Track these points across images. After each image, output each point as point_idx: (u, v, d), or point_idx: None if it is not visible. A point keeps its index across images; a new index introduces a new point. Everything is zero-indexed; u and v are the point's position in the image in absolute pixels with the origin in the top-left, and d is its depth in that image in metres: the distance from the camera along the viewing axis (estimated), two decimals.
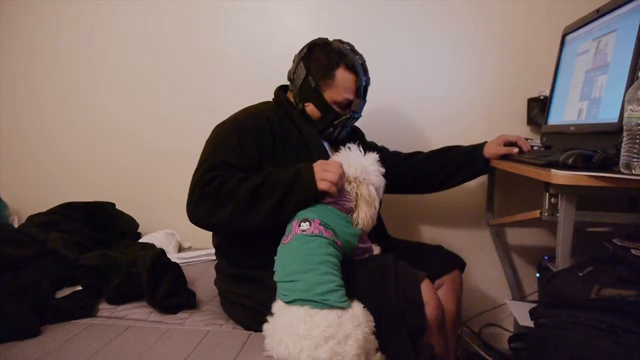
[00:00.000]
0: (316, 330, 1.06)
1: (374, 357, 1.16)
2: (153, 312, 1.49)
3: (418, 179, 1.77)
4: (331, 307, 1.08)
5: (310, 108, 1.51)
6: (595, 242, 1.42)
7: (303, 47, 1.53)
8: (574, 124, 1.52)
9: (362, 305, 1.15)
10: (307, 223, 1.22)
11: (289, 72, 1.56)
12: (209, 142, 1.43)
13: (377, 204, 1.34)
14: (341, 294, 1.12)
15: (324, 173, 1.27)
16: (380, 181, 1.37)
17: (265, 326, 1.17)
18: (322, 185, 1.26)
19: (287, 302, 1.13)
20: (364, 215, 1.30)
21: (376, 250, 1.40)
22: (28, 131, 2.30)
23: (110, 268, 1.56)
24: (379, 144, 1.84)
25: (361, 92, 1.50)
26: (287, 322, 1.10)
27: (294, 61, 1.55)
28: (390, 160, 1.76)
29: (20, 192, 2.29)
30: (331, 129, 1.53)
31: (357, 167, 1.32)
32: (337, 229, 1.24)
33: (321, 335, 1.05)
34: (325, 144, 1.57)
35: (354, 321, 1.09)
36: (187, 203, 1.31)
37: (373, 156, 1.39)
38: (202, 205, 1.28)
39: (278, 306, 1.15)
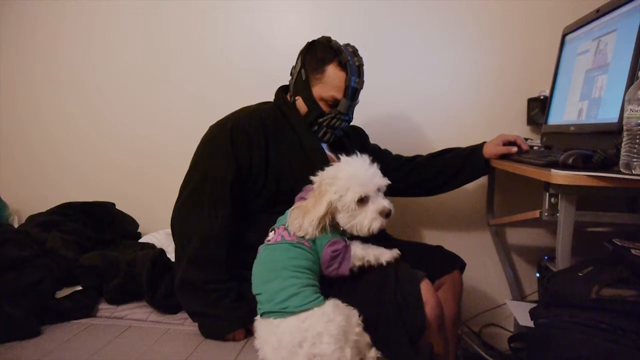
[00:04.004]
0: (286, 339, 1.06)
1: (368, 352, 1.15)
2: (153, 312, 1.49)
3: (419, 182, 1.77)
4: (292, 313, 1.08)
5: (299, 102, 1.51)
6: (595, 242, 1.42)
7: (307, 43, 1.54)
8: (574, 124, 1.52)
9: (339, 300, 1.14)
10: (272, 232, 1.22)
11: (292, 67, 1.57)
12: (202, 145, 1.47)
13: (316, 213, 1.16)
14: (304, 295, 1.11)
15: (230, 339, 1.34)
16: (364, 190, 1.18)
17: (255, 342, 1.17)
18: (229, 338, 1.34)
19: (260, 316, 1.15)
20: (296, 213, 1.20)
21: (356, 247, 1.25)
22: (28, 131, 2.30)
23: (110, 268, 1.55)
24: (378, 143, 1.84)
25: (349, 92, 1.46)
26: (263, 335, 1.12)
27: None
28: (393, 164, 1.76)
29: (20, 192, 2.28)
30: (316, 127, 1.51)
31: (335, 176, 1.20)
32: None
33: (292, 343, 1.05)
34: (324, 146, 1.56)
35: (324, 318, 1.07)
36: (175, 205, 1.45)
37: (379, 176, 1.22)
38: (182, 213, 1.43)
39: (257, 321, 1.17)
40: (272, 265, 1.16)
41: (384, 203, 1.18)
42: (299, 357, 1.05)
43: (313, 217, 1.15)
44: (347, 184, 1.15)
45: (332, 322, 1.07)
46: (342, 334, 1.07)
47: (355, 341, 1.10)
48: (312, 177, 1.24)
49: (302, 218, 1.16)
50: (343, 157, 1.24)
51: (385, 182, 1.19)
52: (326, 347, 1.04)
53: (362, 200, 1.16)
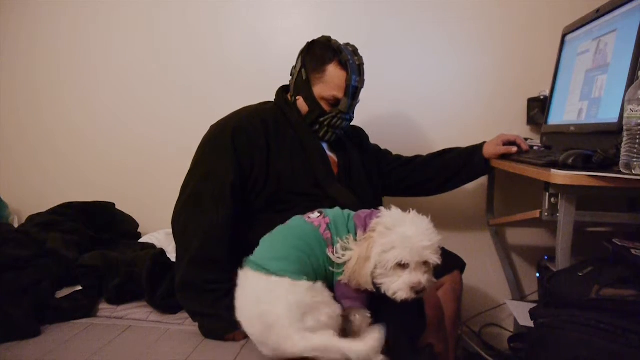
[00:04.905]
0: (247, 291, 1.12)
1: (364, 326, 1.15)
2: (153, 312, 1.49)
3: (419, 183, 1.77)
4: (267, 272, 1.09)
5: (300, 102, 1.52)
6: (595, 242, 1.42)
7: (307, 43, 1.54)
8: (574, 124, 1.52)
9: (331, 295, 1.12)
10: (319, 214, 1.19)
11: (292, 67, 1.57)
12: (203, 145, 1.47)
13: (367, 269, 1.09)
14: (291, 270, 1.09)
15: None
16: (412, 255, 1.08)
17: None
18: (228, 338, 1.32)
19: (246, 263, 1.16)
20: (350, 266, 1.12)
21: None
22: (28, 131, 2.30)
23: (110, 268, 1.55)
24: (378, 143, 1.84)
25: (350, 91, 1.47)
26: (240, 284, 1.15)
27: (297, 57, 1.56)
28: (393, 164, 1.77)
29: (20, 192, 2.28)
30: (317, 127, 1.51)
31: (395, 218, 1.14)
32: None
33: (252, 295, 1.10)
34: (325, 145, 1.56)
35: (291, 289, 1.07)
36: (176, 205, 1.45)
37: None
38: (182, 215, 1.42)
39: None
40: (288, 232, 1.17)
41: (422, 279, 1.07)
42: (254, 309, 1.08)
43: (367, 273, 1.09)
44: (394, 243, 1.07)
45: (295, 294, 1.06)
46: (303, 306, 1.06)
47: (311, 327, 1.07)
48: (379, 213, 1.15)
49: (359, 272, 1.10)
50: (413, 212, 1.15)
51: (435, 260, 1.09)
52: (279, 311, 1.05)
53: (401, 266, 1.07)
